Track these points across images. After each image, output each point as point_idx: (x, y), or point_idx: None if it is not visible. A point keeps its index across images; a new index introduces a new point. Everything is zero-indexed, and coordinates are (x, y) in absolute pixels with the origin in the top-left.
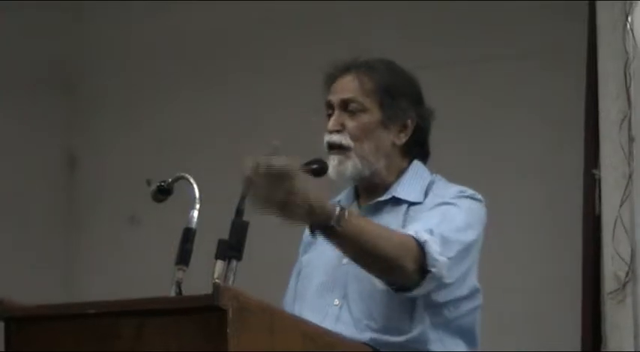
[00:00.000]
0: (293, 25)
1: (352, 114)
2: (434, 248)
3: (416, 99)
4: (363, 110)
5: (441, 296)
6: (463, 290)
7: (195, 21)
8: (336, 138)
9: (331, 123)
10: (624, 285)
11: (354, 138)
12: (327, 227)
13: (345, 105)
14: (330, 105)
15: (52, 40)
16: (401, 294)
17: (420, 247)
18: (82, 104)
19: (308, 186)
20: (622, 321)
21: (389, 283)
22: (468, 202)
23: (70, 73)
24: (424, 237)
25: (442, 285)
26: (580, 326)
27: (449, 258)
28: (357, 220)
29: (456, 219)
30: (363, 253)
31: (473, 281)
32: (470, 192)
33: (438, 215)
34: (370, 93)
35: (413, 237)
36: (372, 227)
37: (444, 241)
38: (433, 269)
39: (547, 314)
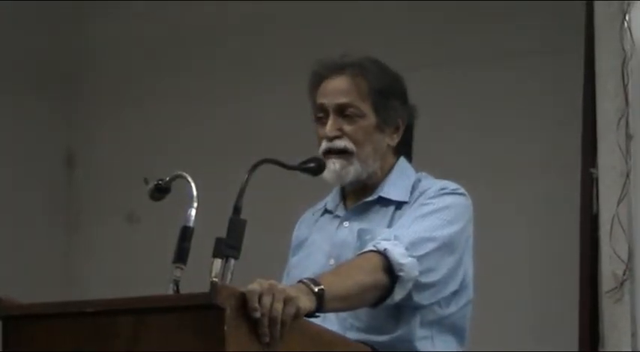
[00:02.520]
0: (293, 25)
1: (349, 118)
2: (396, 251)
3: (404, 98)
4: (360, 115)
5: (425, 298)
6: (453, 286)
7: (195, 20)
8: (339, 143)
9: (329, 129)
10: (622, 284)
11: (355, 142)
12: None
13: (341, 109)
14: (322, 109)
15: (51, 39)
16: (382, 305)
17: (383, 256)
18: (81, 103)
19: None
20: (619, 320)
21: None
22: (448, 198)
23: (68, 71)
24: (383, 245)
25: (422, 285)
26: (577, 325)
27: (418, 256)
28: (332, 288)
29: (431, 218)
30: (352, 303)
31: (462, 275)
32: (452, 187)
33: (412, 217)
34: (365, 97)
35: (373, 251)
36: (345, 280)
37: (413, 242)
38: (401, 274)
39: (544, 313)
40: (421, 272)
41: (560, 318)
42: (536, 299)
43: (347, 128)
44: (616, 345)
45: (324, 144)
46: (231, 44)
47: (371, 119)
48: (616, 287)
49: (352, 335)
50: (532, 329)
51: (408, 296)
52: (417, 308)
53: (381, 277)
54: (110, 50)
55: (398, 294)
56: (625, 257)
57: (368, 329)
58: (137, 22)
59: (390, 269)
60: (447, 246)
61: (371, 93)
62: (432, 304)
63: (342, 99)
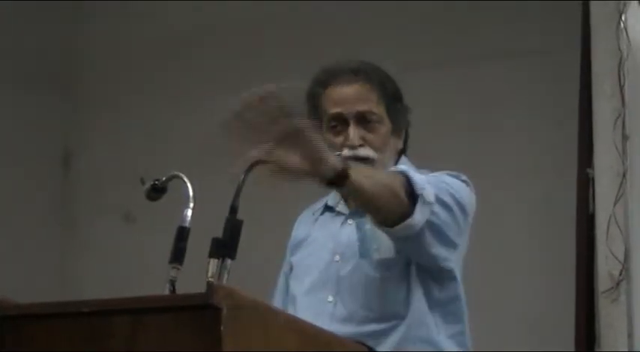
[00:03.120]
0: (291, 26)
1: (369, 125)
2: (417, 176)
3: (404, 102)
4: (380, 121)
5: (434, 244)
6: (451, 262)
7: (192, 21)
8: (363, 152)
9: (353, 139)
10: (618, 284)
11: (377, 149)
12: (339, 178)
13: (361, 117)
14: (339, 118)
15: (49, 39)
16: (400, 231)
17: (405, 177)
18: (78, 102)
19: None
20: (616, 320)
21: (387, 220)
22: (459, 182)
23: (66, 71)
24: (403, 170)
25: (434, 225)
26: (574, 325)
27: (437, 196)
28: (358, 169)
29: (449, 186)
30: (376, 190)
31: (456, 260)
32: (463, 177)
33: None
34: (380, 102)
35: (395, 170)
36: (369, 170)
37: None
38: (423, 192)
39: (541, 313)
40: (433, 212)
41: (557, 318)
42: (533, 299)
43: (368, 136)
44: (612, 345)
45: (347, 152)
46: (231, 44)
47: (387, 124)
48: (612, 288)
49: (366, 328)
50: (528, 329)
51: (421, 236)
52: (424, 276)
53: (403, 193)
54: (109, 50)
55: (418, 214)
56: (621, 257)
57: (381, 319)
58: (137, 22)
59: (409, 189)
60: (461, 212)
61: (384, 98)
62: (433, 280)
63: (363, 107)
